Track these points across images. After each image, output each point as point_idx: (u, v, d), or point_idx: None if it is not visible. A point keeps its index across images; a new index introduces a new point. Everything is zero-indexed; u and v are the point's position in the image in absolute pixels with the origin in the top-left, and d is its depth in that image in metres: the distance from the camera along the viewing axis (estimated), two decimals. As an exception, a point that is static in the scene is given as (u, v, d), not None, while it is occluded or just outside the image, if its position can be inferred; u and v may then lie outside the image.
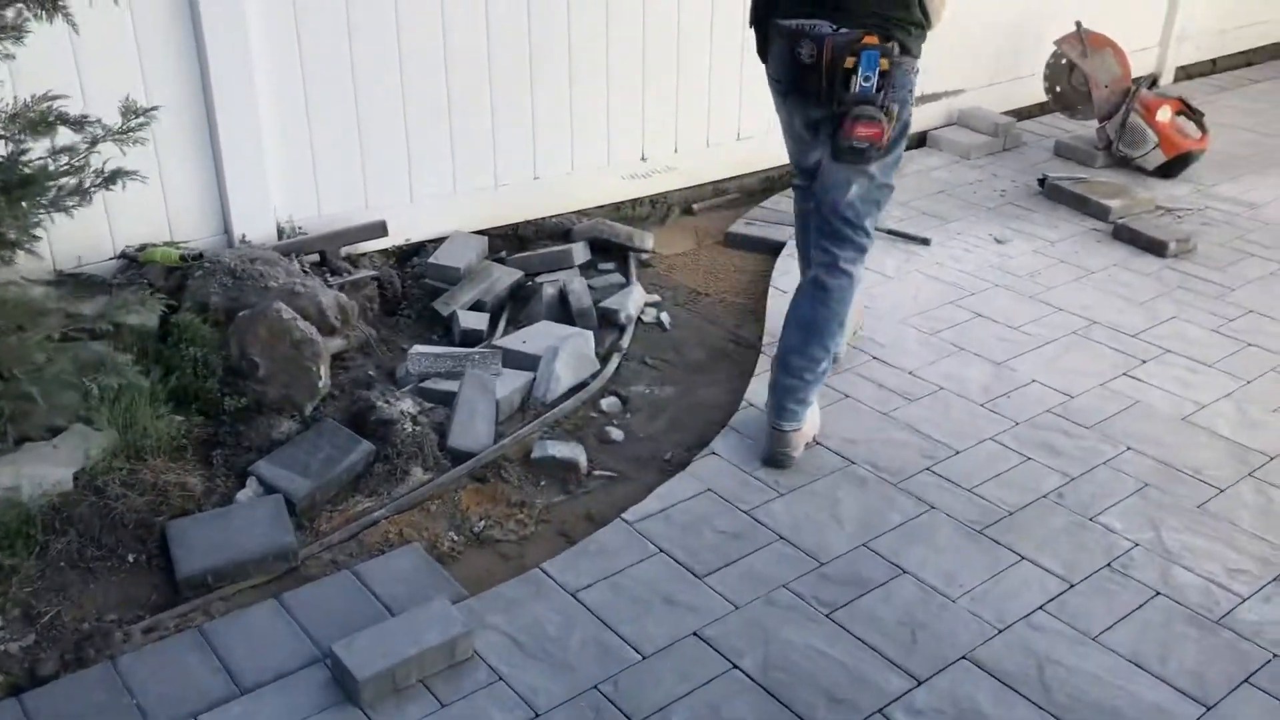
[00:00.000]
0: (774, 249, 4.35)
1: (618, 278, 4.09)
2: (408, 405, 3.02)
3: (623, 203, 4.55)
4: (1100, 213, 4.62)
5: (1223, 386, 3.41)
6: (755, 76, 4.68)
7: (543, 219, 4.31)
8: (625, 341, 3.65)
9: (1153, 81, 5.32)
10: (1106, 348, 3.64)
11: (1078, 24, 5.15)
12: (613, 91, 4.34)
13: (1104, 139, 5.18)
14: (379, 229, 3.84)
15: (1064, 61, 5.23)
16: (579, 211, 4.41)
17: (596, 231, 4.25)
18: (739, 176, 4.87)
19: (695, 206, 4.76)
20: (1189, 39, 6.47)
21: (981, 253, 4.32)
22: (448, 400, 3.14)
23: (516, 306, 3.86)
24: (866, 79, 2.61)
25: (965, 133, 5.49)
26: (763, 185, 4.94)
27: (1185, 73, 6.62)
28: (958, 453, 3.07)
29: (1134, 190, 4.81)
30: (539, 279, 3.92)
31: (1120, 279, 4.12)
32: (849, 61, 2.61)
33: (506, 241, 4.24)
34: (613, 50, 4.27)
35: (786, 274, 4.10)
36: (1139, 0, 6.11)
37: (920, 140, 5.42)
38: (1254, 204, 4.83)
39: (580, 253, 4.12)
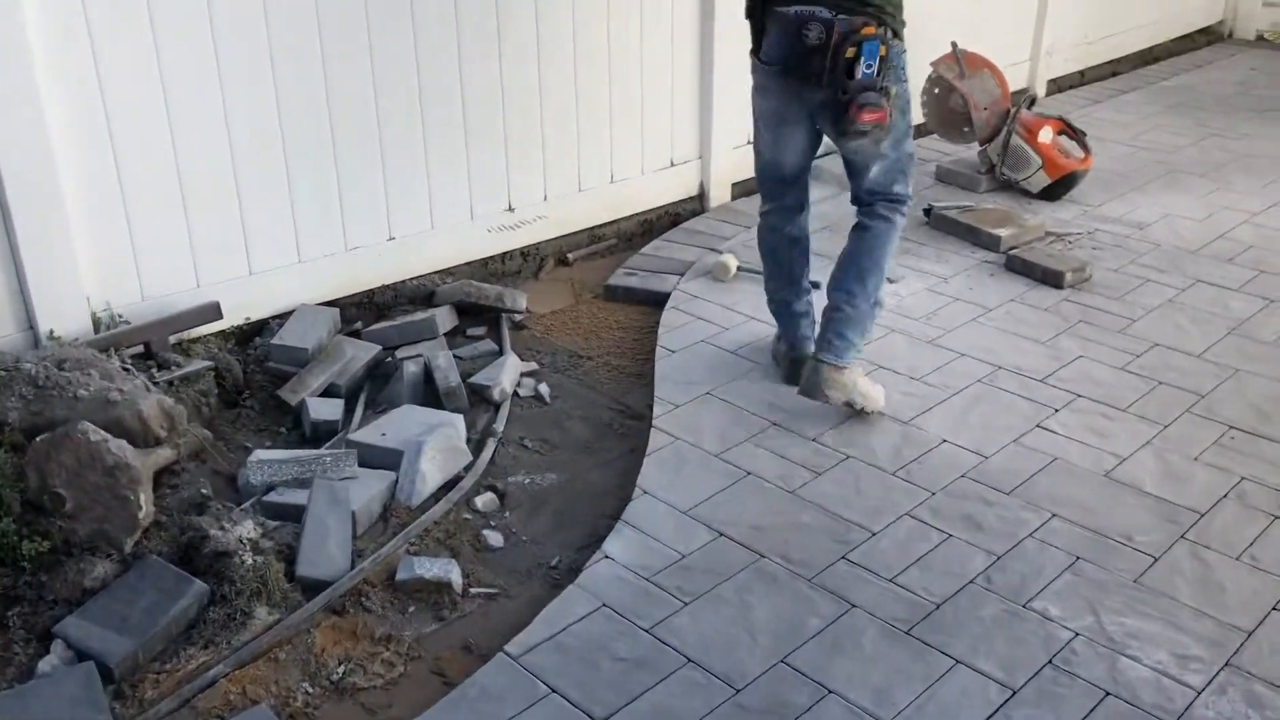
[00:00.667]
0: (658, 301, 4.03)
1: (489, 344, 3.72)
2: (247, 530, 2.59)
3: (491, 258, 4.18)
4: (991, 243, 4.43)
5: (1140, 434, 3.21)
6: (625, 115, 4.44)
7: (401, 282, 3.91)
8: (500, 423, 3.28)
9: (1031, 101, 5.18)
10: (1015, 396, 3.42)
11: (954, 44, 4.98)
12: (471, 137, 3.96)
13: (986, 162, 5.02)
14: (213, 311, 3.39)
15: (941, 84, 5.05)
16: (443, 271, 4.02)
17: (463, 293, 3.86)
18: (615, 221, 4.55)
19: (570, 256, 4.42)
20: (1058, 52, 6.42)
21: (875, 294, 4.07)
22: (298, 514, 2.72)
23: (375, 387, 3.45)
24: (869, 66, 2.91)
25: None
26: (641, 229, 4.63)
27: (1056, 85, 6.57)
28: (874, 534, 2.79)
29: (1022, 216, 4.65)
30: (399, 354, 3.52)
31: (1019, 315, 3.92)
32: (850, 51, 2.89)
33: (362, 310, 3.83)
34: (469, 92, 3.89)
35: (672, 330, 3.79)
36: (1008, 16, 6.03)
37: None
38: (1141, 224, 4.72)
39: (445, 319, 3.74)
